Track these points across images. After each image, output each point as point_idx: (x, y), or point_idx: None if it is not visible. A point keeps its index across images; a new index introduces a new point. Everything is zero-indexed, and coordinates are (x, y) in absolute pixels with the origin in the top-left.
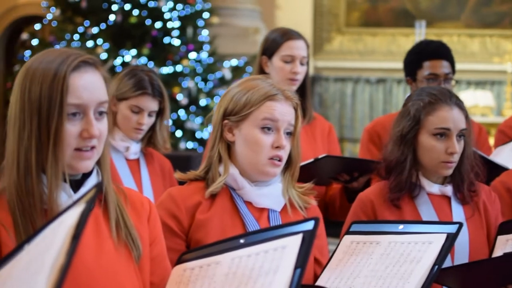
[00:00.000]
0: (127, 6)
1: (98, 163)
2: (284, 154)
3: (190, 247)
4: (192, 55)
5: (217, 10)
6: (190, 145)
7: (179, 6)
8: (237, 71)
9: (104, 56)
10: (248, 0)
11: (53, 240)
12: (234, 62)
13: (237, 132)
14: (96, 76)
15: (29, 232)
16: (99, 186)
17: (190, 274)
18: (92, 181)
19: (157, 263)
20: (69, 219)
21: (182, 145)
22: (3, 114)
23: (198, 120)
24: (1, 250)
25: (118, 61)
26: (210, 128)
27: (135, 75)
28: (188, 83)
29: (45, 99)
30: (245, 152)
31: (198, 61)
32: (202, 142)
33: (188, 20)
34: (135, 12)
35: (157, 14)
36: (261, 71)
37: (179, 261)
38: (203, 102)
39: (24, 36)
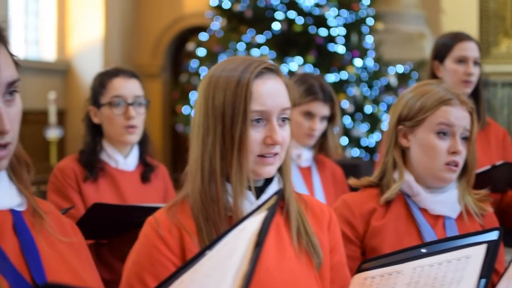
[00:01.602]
0: (292, 14)
1: (280, 170)
2: (460, 160)
3: (365, 254)
4: (357, 62)
5: (381, 16)
6: (356, 152)
7: (344, 13)
8: (403, 78)
9: None
10: (413, 4)
11: (236, 247)
12: (399, 68)
13: (412, 137)
14: (278, 82)
15: (212, 239)
16: (280, 193)
17: (371, 282)
18: (273, 188)
19: (337, 271)
20: (251, 226)
21: (347, 153)
22: (171, 123)
23: (364, 127)
24: (185, 255)
25: (283, 69)
26: (376, 136)
27: (306, 81)
28: (354, 90)
29: (229, 106)
30: (420, 157)
31: (363, 68)
32: (368, 149)
33: (352, 27)
34: (300, 20)
35: (321, 21)
36: (433, 76)
37: (359, 269)
38: (368, 109)
39: (190, 46)
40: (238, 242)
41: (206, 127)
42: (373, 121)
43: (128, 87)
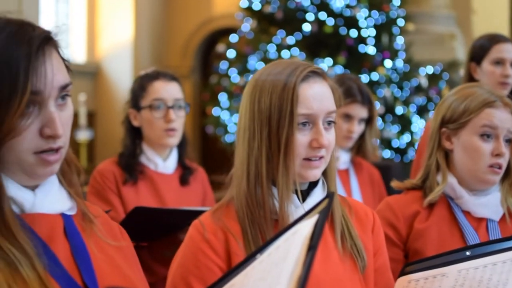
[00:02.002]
0: (322, 16)
1: (324, 173)
2: (504, 162)
3: (408, 256)
4: (388, 63)
5: (412, 16)
6: (386, 154)
7: (374, 14)
8: (433, 79)
9: None
10: (443, 5)
11: (288, 250)
12: (429, 69)
13: (455, 140)
14: (324, 86)
15: (258, 242)
16: (331, 197)
17: (415, 285)
18: (318, 192)
19: (381, 274)
20: (304, 230)
21: (378, 154)
22: (201, 124)
23: (395, 128)
24: (230, 259)
25: None
26: (407, 137)
27: (344, 83)
28: (384, 91)
29: (275, 109)
30: (464, 160)
31: (394, 69)
32: (398, 151)
33: (383, 28)
34: (330, 21)
35: (352, 22)
36: (470, 78)
37: (403, 272)
38: (399, 110)
39: (220, 48)
40: (291, 245)
41: (252, 131)
42: (404, 122)
43: (168, 90)
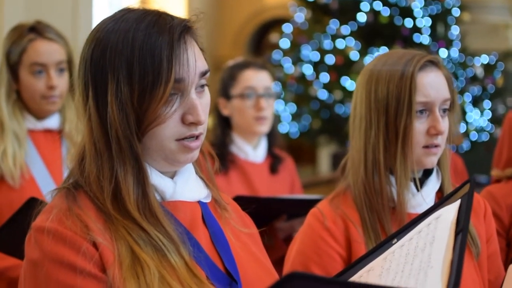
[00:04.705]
0: (378, 5)
1: (438, 162)
2: None
3: (511, 245)
4: (443, 52)
5: (467, 6)
6: None
7: (430, 4)
8: (488, 68)
9: (354, 56)
10: None
11: (434, 235)
12: (484, 59)
13: None
14: (440, 75)
15: (376, 229)
16: (473, 182)
17: None
18: (433, 179)
19: (492, 261)
20: (448, 215)
21: None
22: None
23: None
24: (350, 246)
25: (368, 60)
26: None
27: None
28: None
29: (392, 98)
30: None
31: (449, 58)
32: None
33: (438, 18)
34: (385, 11)
35: (407, 12)
36: None
37: None
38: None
39: (273, 37)
40: (436, 230)
41: (369, 120)
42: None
43: (259, 79)
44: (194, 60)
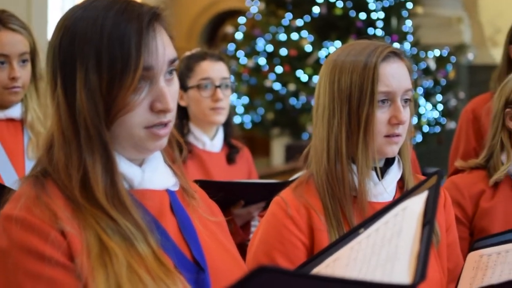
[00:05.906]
0: None
1: (399, 152)
2: None
3: (474, 235)
4: (396, 46)
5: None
6: None
7: None
8: (441, 62)
9: (308, 48)
10: None
11: (402, 226)
12: (437, 52)
13: None
14: (402, 65)
15: (339, 217)
16: (440, 174)
17: (487, 260)
18: (394, 169)
19: (452, 250)
20: (415, 206)
21: None
22: None
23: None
24: (313, 234)
25: (323, 53)
26: (414, 120)
27: None
28: None
29: (355, 88)
30: None
31: None
32: None
33: (392, 11)
34: (340, 3)
35: (361, 5)
36: (510, 60)
37: (472, 248)
38: None
39: (228, 29)
40: (403, 221)
41: (332, 109)
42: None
43: (215, 70)
44: (163, 48)
